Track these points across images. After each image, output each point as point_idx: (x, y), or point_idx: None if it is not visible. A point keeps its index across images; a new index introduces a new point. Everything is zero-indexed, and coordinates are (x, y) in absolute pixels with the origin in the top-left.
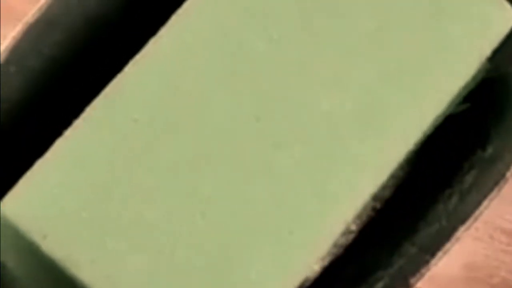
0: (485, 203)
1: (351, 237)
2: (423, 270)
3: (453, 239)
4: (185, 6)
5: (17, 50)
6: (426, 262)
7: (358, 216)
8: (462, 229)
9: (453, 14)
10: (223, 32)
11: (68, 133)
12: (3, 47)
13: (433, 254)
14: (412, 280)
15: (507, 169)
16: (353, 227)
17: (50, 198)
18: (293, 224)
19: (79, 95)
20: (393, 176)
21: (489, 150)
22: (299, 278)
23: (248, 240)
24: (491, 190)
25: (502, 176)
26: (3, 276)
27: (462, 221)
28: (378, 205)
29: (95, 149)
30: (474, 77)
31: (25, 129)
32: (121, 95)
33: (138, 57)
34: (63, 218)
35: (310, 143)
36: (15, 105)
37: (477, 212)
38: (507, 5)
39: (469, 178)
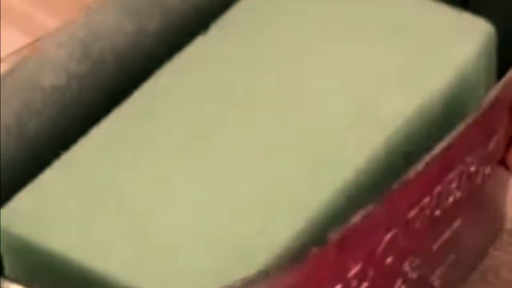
0: None
1: None
2: None
3: None
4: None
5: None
6: None
7: None
8: None
9: (427, 29)
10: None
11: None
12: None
13: None
14: None
15: None
16: None
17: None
18: (279, 191)
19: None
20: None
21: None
22: (286, 238)
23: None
24: None
25: None
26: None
27: None
28: None
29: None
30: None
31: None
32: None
33: (145, 86)
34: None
35: (298, 127)
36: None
37: None
38: (482, 21)
39: None
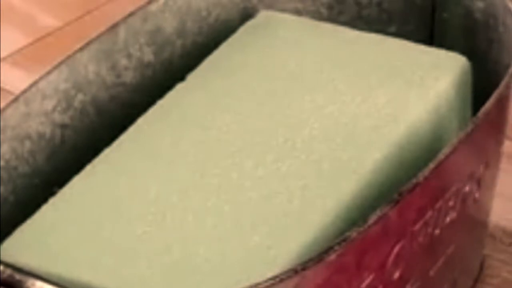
0: None
1: None
2: None
3: None
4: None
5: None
6: None
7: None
8: None
9: (409, 66)
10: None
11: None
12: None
13: None
14: None
15: None
16: None
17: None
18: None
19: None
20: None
21: None
22: (291, 252)
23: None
24: None
25: None
26: None
27: None
28: None
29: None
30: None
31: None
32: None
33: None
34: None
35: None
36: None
37: None
38: (459, 56)
39: None
